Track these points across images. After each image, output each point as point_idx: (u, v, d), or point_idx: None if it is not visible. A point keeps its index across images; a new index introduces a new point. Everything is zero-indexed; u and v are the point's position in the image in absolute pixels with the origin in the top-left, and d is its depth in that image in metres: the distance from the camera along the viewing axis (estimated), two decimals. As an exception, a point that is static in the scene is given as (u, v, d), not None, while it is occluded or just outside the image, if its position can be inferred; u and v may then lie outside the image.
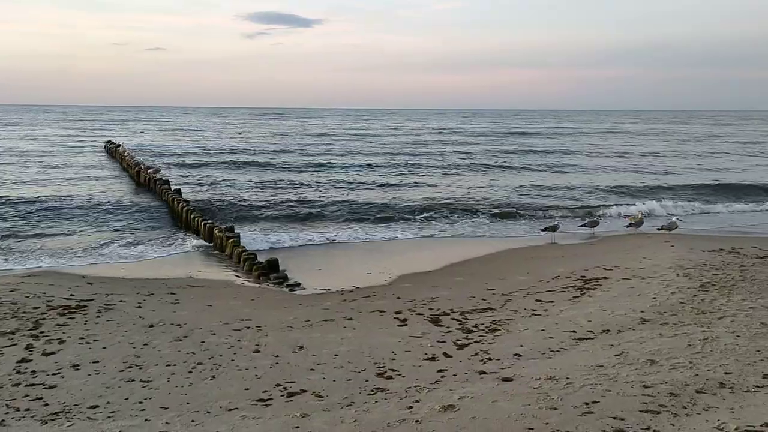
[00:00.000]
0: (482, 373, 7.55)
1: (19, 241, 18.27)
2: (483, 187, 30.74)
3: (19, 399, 6.84)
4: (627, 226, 20.04)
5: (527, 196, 28.53)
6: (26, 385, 7.23)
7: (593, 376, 6.98)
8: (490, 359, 8.14)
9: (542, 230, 19.23)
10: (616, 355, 7.74)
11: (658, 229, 19.19)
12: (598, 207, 25.20)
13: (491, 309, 10.83)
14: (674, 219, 20.04)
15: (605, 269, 13.43)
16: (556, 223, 19.65)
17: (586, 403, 6.17)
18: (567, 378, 6.93)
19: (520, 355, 8.22)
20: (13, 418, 6.36)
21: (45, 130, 74.97)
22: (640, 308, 10.05)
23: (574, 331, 9.16)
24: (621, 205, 25.29)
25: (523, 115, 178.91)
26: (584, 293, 11.52)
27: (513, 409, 6.13)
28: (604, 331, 9.10)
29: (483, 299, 11.51)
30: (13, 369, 7.72)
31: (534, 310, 10.57)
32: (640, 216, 20.70)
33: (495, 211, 24.40)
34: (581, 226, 20.16)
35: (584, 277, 12.91)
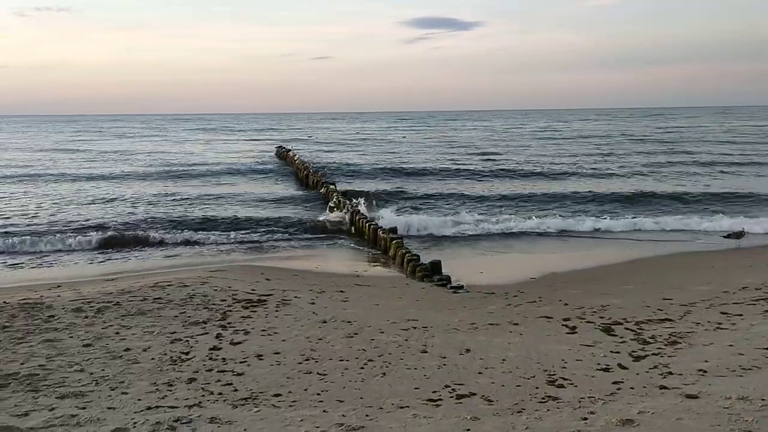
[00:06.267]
0: (663, 387, 7.10)
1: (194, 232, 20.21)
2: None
3: (212, 383, 7.49)
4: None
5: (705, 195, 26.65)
6: (218, 371, 7.90)
7: (794, 399, 6.30)
8: (670, 373, 7.63)
9: (725, 236, 17.65)
10: (821, 378, 6.94)
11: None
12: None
13: (669, 320, 10.14)
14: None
15: (804, 281, 12.09)
16: (742, 228, 17.96)
17: (788, 429, 5.58)
18: (762, 399, 6.32)
19: (705, 371, 7.62)
20: (208, 400, 6.97)
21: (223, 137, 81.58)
22: None
23: (768, 349, 8.34)
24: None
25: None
26: (779, 307, 10.45)
27: (700, 428, 5.70)
28: (805, 349, 8.19)
29: (659, 309, 10.82)
30: (207, 356, 8.47)
31: (719, 324, 9.75)
32: None
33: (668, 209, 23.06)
34: (772, 232, 18.30)
35: (778, 288, 11.71)
